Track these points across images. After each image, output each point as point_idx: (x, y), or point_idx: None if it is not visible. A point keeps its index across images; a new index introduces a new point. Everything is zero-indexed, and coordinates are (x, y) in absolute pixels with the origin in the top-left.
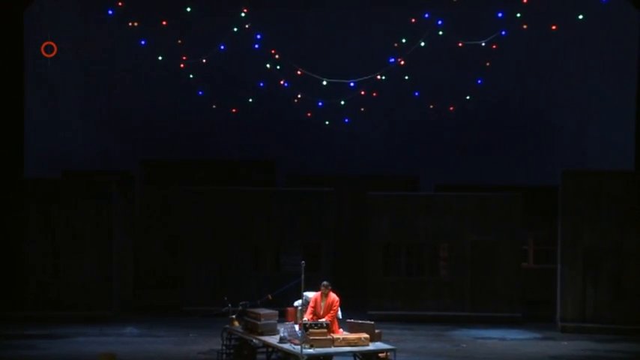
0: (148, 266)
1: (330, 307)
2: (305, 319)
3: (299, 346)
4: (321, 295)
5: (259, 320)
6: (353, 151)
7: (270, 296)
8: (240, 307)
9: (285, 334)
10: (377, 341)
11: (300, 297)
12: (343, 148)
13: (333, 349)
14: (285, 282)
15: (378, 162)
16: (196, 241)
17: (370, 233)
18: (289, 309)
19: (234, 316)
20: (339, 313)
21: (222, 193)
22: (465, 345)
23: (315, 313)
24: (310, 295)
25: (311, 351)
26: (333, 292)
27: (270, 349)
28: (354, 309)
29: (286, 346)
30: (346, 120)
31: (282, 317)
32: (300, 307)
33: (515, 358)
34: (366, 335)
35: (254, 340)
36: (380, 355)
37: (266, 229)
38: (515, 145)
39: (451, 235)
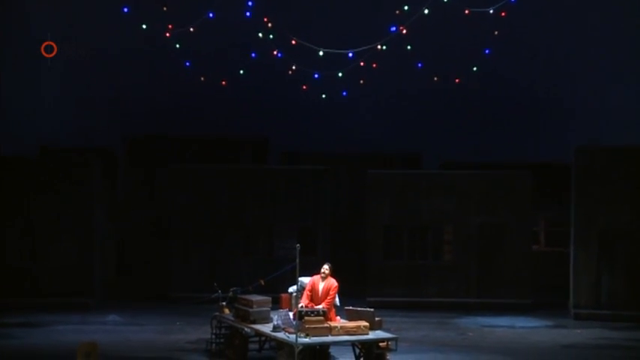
0: (132, 251)
1: (326, 293)
2: (300, 304)
3: (294, 335)
4: (320, 276)
5: (251, 307)
6: (351, 127)
7: (262, 282)
8: (230, 294)
9: (279, 322)
10: (377, 330)
11: (294, 283)
12: (341, 124)
13: (330, 338)
14: (279, 267)
15: (378, 138)
16: (184, 223)
17: (369, 215)
18: (283, 295)
19: (224, 304)
20: (337, 299)
21: (211, 172)
22: (471, 333)
23: (311, 299)
24: (305, 280)
25: (307, 340)
26: (333, 277)
27: (262, 339)
28: (352, 295)
29: (280, 334)
30: (344, 93)
31: (276, 304)
32: (294, 294)
33: (525, 347)
34: (366, 323)
35: (245, 329)
36: (380, 344)
37: (258, 211)
38: (525, 120)
39: (456, 216)
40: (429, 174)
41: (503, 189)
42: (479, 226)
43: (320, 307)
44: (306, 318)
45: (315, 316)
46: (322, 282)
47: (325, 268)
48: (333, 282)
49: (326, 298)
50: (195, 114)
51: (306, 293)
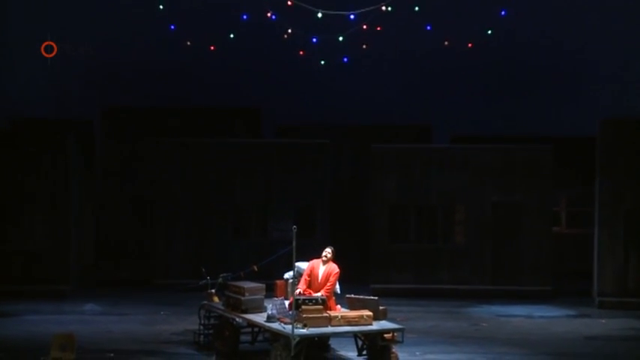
0: (112, 233)
1: (326, 279)
2: (298, 290)
3: (290, 326)
4: (322, 262)
5: (243, 295)
6: (353, 97)
7: (255, 267)
8: (220, 280)
9: (274, 311)
10: (381, 320)
11: (291, 268)
12: (342, 93)
13: (329, 329)
14: (274, 251)
15: (383, 109)
16: (169, 202)
17: (374, 193)
18: (278, 282)
19: (213, 291)
20: (337, 287)
21: (199, 146)
22: (485, 324)
23: (310, 285)
24: (303, 265)
25: (304, 331)
26: (334, 262)
27: (255, 330)
28: (354, 282)
29: (275, 325)
30: (345, 59)
31: (270, 292)
32: (291, 280)
33: (544, 338)
34: (369, 313)
35: (237, 319)
36: (385, 336)
37: (251, 189)
38: (546, 89)
39: (469, 195)
40: (439, 148)
41: (521, 165)
42: (494, 205)
43: (319, 294)
44: (303, 307)
45: (314, 304)
46: (323, 266)
47: (327, 251)
48: (334, 267)
49: (326, 284)
50: (181, 83)
51: (304, 279)
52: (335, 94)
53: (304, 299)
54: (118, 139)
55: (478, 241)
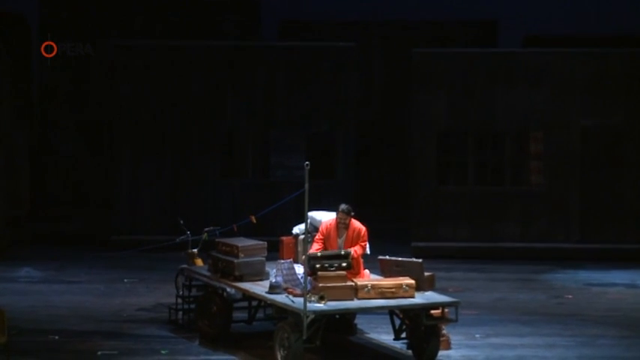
0: (55, 173)
1: (355, 240)
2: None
3: (301, 299)
4: (337, 224)
5: (236, 257)
6: None
7: (253, 218)
8: (204, 237)
9: (279, 279)
10: (427, 290)
11: (302, 220)
12: None
13: (356, 304)
14: (278, 196)
15: (430, 1)
16: (133, 129)
17: (416, 116)
18: (285, 239)
19: (195, 251)
20: (367, 246)
21: (175, 50)
22: (570, 296)
23: (325, 249)
24: (318, 217)
25: (321, 306)
26: (356, 219)
27: (254, 304)
28: (390, 239)
29: (280, 298)
30: None
31: (274, 252)
32: (302, 236)
33: None
34: (410, 281)
35: (228, 290)
36: (432, 312)
37: (246, 110)
38: None
39: (549, 117)
40: (507, 54)
41: (621, 76)
42: (583, 131)
43: (345, 250)
44: (319, 273)
45: (336, 268)
46: (342, 231)
47: (341, 216)
48: (359, 226)
49: (354, 247)
50: None
51: (317, 241)
52: None
53: (323, 255)
54: (63, 40)
55: (562, 181)
